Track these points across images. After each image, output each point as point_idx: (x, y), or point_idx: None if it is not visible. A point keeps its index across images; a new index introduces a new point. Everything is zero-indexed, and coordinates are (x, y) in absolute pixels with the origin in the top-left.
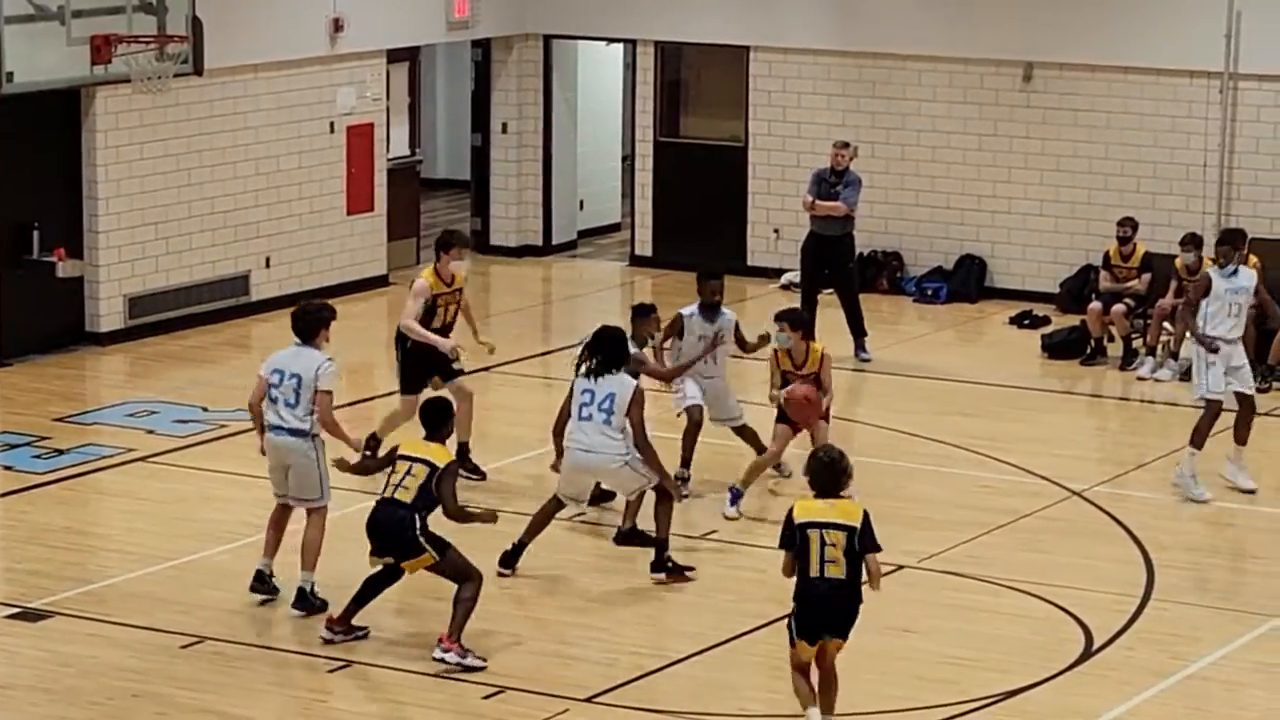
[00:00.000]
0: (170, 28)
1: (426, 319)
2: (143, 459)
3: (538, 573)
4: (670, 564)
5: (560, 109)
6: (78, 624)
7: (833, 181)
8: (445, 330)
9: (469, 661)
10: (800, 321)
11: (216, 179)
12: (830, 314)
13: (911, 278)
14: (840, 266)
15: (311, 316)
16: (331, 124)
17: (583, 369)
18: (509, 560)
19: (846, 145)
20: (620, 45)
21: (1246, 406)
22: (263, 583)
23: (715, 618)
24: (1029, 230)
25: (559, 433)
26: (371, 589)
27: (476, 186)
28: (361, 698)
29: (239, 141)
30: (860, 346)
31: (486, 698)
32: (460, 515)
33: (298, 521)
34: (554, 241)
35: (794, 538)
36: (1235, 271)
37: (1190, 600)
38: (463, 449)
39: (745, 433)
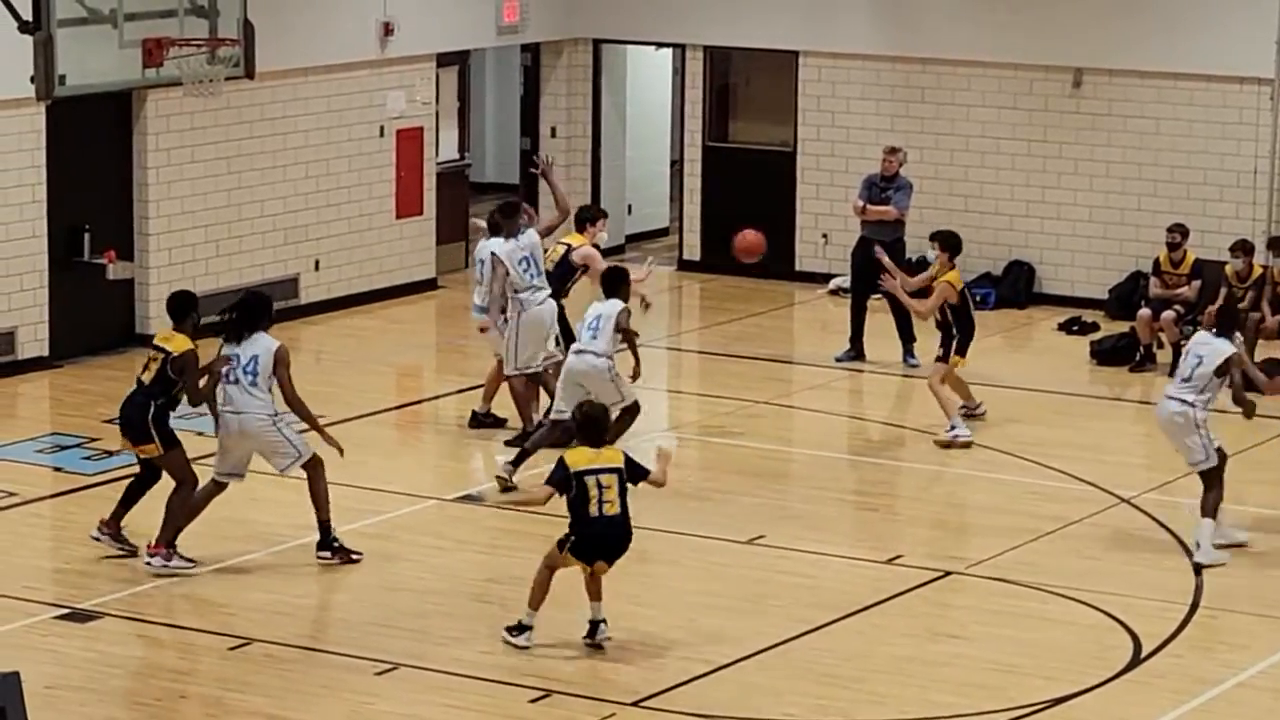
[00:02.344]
0: (222, 31)
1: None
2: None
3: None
4: (336, 543)
5: (609, 113)
6: (126, 625)
7: (883, 186)
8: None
9: (175, 564)
10: (950, 243)
11: (266, 182)
12: (879, 319)
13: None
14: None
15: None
16: (381, 128)
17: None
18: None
19: (896, 150)
20: (669, 50)
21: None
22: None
23: (761, 622)
24: (1078, 236)
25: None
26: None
27: (525, 190)
28: (409, 700)
29: (289, 145)
30: (909, 352)
31: (533, 701)
32: (198, 399)
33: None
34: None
35: (569, 483)
36: None
37: (1239, 608)
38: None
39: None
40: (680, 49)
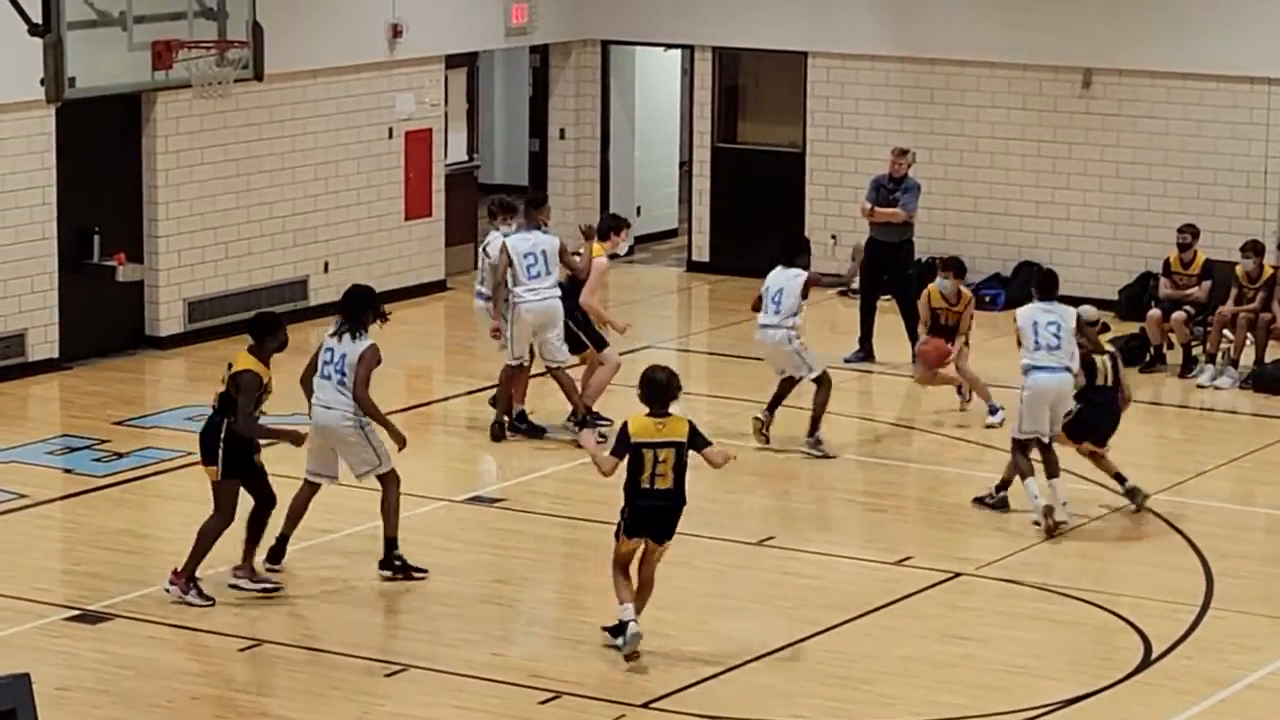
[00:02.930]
0: (231, 33)
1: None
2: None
3: (592, 579)
4: (399, 561)
5: (618, 115)
6: (137, 626)
7: (891, 188)
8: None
9: (190, 598)
10: (959, 267)
11: (276, 184)
12: (888, 320)
13: (969, 284)
14: (899, 273)
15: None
16: (390, 129)
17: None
18: (277, 557)
19: (905, 152)
20: (678, 51)
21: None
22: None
23: (770, 624)
24: (1088, 237)
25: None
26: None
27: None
28: (419, 702)
29: (298, 147)
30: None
31: (543, 703)
32: (248, 430)
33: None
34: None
35: (626, 450)
36: None
37: (1250, 609)
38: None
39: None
40: (689, 50)
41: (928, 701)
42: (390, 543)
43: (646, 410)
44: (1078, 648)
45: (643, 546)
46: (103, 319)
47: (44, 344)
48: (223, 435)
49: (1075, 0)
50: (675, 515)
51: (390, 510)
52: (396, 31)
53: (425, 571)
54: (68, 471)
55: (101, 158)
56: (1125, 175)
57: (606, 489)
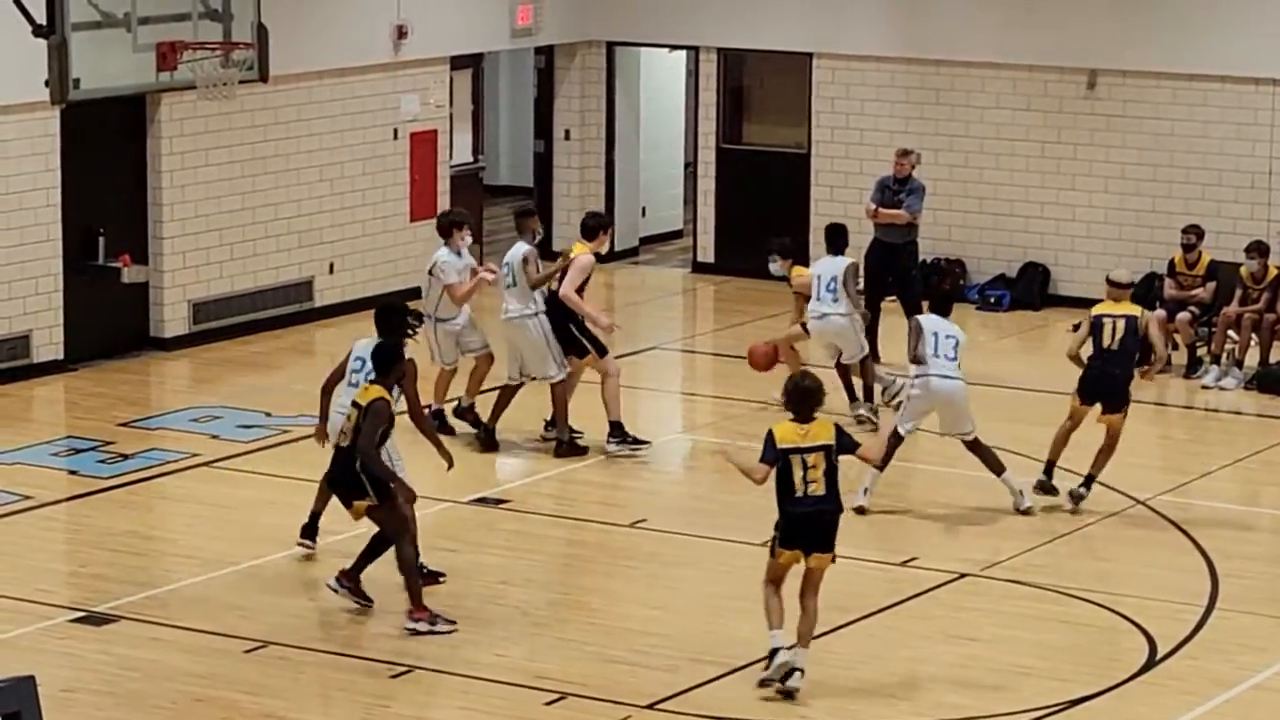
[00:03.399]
0: (236, 34)
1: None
2: (206, 464)
3: (599, 579)
4: (424, 570)
5: (623, 116)
6: (142, 628)
7: (895, 189)
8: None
9: (439, 627)
10: (785, 249)
11: (281, 185)
12: (892, 320)
13: (974, 285)
14: (903, 274)
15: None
16: (395, 130)
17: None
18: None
19: (908, 153)
20: (683, 52)
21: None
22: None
23: None
24: (1093, 238)
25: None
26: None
27: (539, 193)
28: (424, 703)
29: (303, 148)
30: None
31: (549, 704)
32: (367, 456)
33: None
34: (616, 248)
35: (775, 457)
36: None
37: (1255, 610)
38: (615, 426)
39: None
40: (694, 51)
41: (933, 702)
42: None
43: (790, 416)
44: (1083, 648)
45: (801, 563)
46: (107, 320)
47: (49, 345)
48: (359, 465)
49: (1080, 1)
50: (833, 523)
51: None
52: (401, 33)
53: (444, 575)
54: (72, 473)
55: (106, 159)
56: (1130, 176)
57: (611, 491)
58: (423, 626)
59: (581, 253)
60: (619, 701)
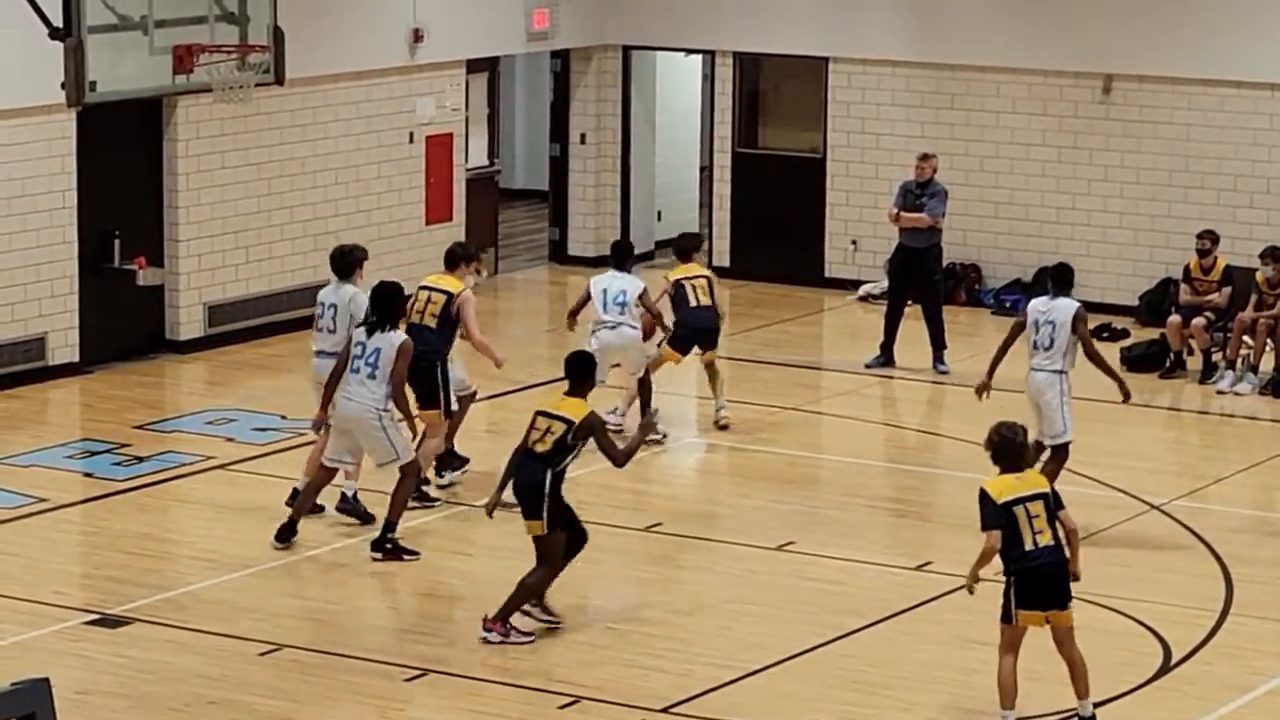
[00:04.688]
0: (252, 38)
1: None
2: (222, 466)
3: (614, 583)
4: (391, 544)
5: (639, 120)
6: (156, 630)
7: (918, 193)
8: None
9: (514, 639)
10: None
11: (296, 188)
12: (911, 325)
13: (990, 290)
14: (925, 278)
15: (348, 256)
16: (411, 134)
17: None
18: (285, 534)
19: (929, 157)
20: (699, 56)
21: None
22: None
23: (791, 629)
24: (1108, 243)
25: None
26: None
27: (555, 197)
28: (438, 706)
29: (319, 151)
30: (939, 359)
31: (563, 707)
32: (626, 457)
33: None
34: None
35: (1000, 516)
36: None
37: (1270, 615)
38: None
39: None
40: (710, 55)
41: (948, 707)
42: (389, 526)
43: (999, 470)
44: (1098, 653)
45: (1045, 624)
46: (123, 323)
47: (64, 348)
48: (547, 489)
49: (1096, 6)
50: (1066, 574)
51: (399, 500)
52: (418, 36)
53: (416, 554)
54: (88, 475)
55: (122, 162)
56: (1145, 181)
57: (626, 495)
58: (495, 638)
59: (460, 289)
60: (633, 705)
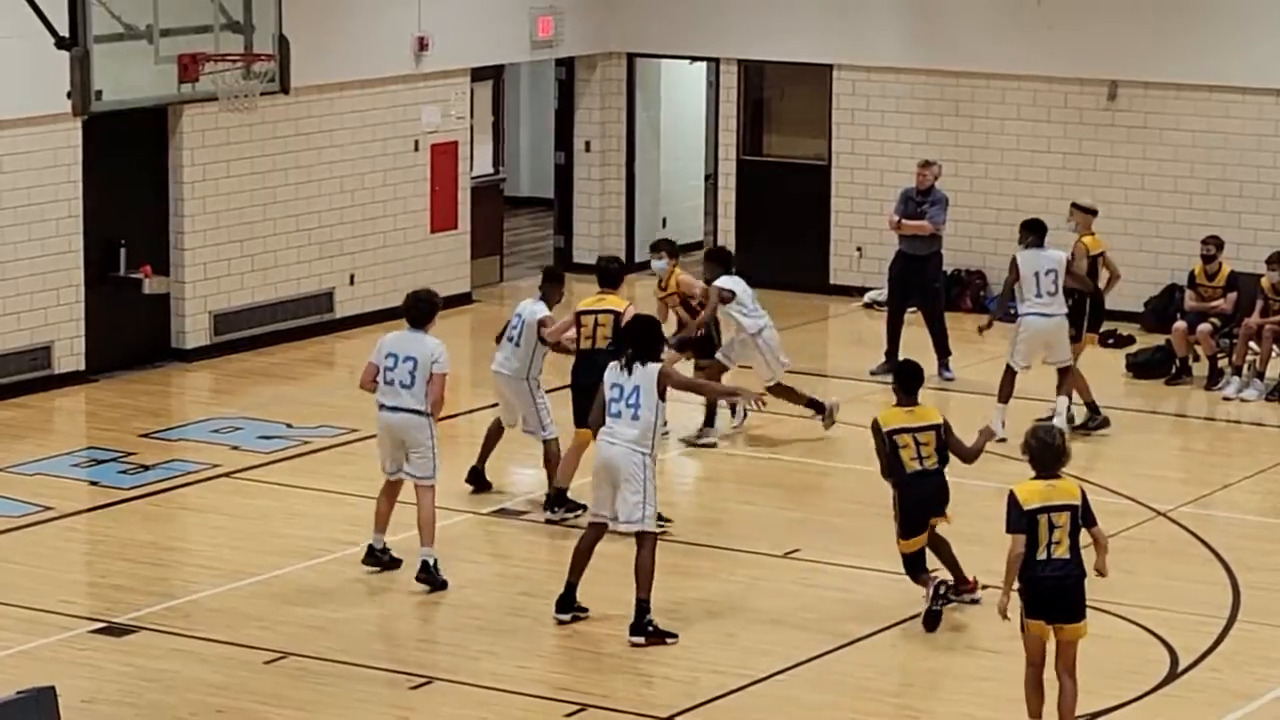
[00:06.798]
0: (257, 46)
1: None
2: (227, 475)
3: (620, 590)
4: (651, 627)
5: (643, 127)
6: (162, 639)
7: (919, 200)
8: None
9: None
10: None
11: (301, 196)
12: (914, 332)
13: (995, 296)
14: (927, 285)
15: (424, 304)
16: (416, 142)
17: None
18: (565, 606)
19: (930, 164)
20: (704, 64)
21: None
22: (374, 558)
23: (798, 637)
24: (1113, 249)
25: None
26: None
27: (560, 204)
28: (444, 714)
29: (324, 159)
30: (944, 366)
31: (569, 715)
32: (974, 454)
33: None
34: (637, 259)
35: (1023, 521)
36: None
37: (1277, 622)
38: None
39: None
40: (714, 62)
41: (955, 714)
42: (641, 608)
43: (1033, 475)
44: (1104, 660)
45: (1052, 637)
46: (129, 331)
47: (70, 356)
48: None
49: (1101, 13)
50: (1081, 589)
51: (645, 571)
52: (422, 44)
53: (675, 636)
54: (93, 484)
55: (128, 171)
56: (1150, 187)
57: None
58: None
59: (624, 306)
60: (639, 713)
